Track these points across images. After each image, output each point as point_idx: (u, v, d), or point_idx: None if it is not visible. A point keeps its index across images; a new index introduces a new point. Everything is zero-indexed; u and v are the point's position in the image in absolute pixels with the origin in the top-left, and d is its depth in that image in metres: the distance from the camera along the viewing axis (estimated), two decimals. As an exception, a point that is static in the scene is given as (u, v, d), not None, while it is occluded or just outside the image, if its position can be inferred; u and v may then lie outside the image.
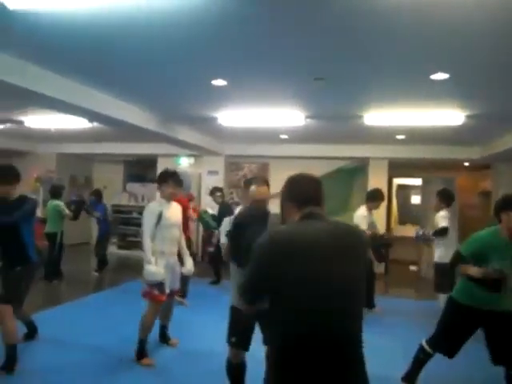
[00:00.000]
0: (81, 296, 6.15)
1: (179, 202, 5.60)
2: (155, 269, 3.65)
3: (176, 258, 3.99)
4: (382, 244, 5.83)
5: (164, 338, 4.30)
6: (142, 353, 3.82)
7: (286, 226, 1.84)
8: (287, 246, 1.71)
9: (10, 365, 3.49)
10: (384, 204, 6.81)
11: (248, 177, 8.36)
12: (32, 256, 3.68)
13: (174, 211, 3.96)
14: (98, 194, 7.89)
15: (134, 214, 9.76)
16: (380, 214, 7.24)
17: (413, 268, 9.32)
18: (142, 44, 3.40)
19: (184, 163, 9.91)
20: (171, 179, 3.89)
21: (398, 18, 2.76)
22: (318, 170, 8.79)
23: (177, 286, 4.03)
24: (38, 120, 7.07)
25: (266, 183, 3.00)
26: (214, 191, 7.09)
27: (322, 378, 1.62)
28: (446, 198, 5.20)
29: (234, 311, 2.89)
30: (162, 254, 3.78)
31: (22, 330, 4.04)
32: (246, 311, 2.31)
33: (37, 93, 4.18)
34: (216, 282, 7.12)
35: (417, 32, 2.97)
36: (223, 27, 3.02)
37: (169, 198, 3.90)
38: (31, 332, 4.21)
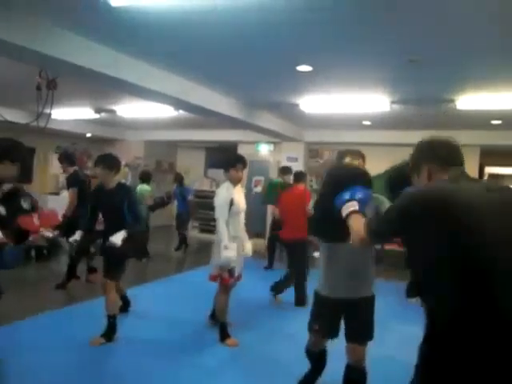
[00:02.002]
0: (166, 274, 6.52)
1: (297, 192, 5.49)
2: (233, 254, 3.66)
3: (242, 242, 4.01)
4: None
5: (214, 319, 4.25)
6: (224, 334, 3.95)
7: (443, 183, 1.67)
8: (445, 206, 1.51)
9: (110, 333, 3.82)
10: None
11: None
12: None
13: (241, 196, 3.98)
14: (178, 179, 8.56)
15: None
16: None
17: None
18: (228, 31, 3.43)
19: (263, 150, 9.99)
20: (239, 163, 3.88)
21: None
22: (401, 158, 8.40)
23: (241, 269, 3.99)
24: (128, 109, 7.50)
25: (362, 157, 2.90)
26: (286, 171, 6.59)
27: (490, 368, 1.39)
28: None
29: (317, 297, 2.78)
30: (235, 238, 3.83)
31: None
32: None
33: (130, 83, 4.40)
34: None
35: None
36: (310, 10, 2.94)
37: (236, 183, 3.91)
38: (125, 305, 4.54)
